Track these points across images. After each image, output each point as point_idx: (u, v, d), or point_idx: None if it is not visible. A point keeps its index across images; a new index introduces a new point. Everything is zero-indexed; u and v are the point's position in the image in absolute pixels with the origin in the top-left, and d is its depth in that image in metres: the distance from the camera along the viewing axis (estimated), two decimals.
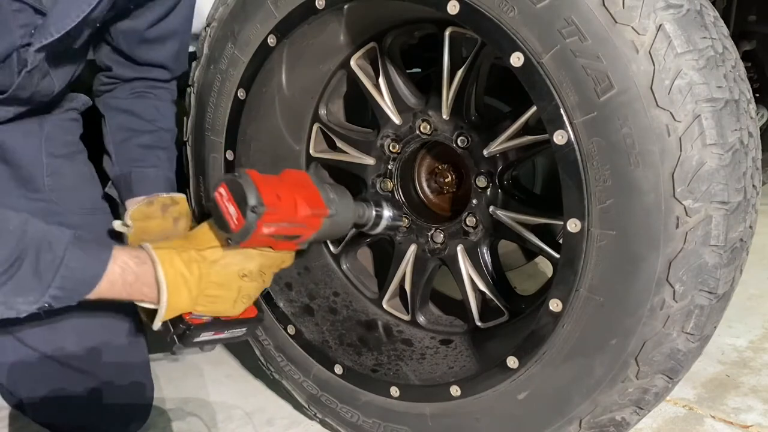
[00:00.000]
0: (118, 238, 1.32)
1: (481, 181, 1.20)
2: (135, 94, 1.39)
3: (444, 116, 1.22)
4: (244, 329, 1.16)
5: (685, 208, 0.87)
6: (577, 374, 1.00)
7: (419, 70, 1.68)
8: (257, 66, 1.27)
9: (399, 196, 1.32)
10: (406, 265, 1.35)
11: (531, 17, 0.92)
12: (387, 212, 1.26)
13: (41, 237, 0.96)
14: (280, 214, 1.02)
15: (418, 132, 1.26)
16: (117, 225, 1.32)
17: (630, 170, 0.89)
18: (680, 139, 0.86)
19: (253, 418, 1.46)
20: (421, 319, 1.37)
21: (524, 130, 1.14)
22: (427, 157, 1.35)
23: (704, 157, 0.86)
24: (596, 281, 0.95)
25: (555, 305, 1.00)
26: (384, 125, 1.30)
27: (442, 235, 1.28)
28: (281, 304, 1.37)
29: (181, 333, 1.08)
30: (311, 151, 1.43)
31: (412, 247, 1.33)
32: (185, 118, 1.44)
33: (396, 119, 1.29)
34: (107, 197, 1.42)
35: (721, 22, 0.95)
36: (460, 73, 1.18)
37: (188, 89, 1.42)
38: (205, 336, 1.10)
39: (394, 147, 1.30)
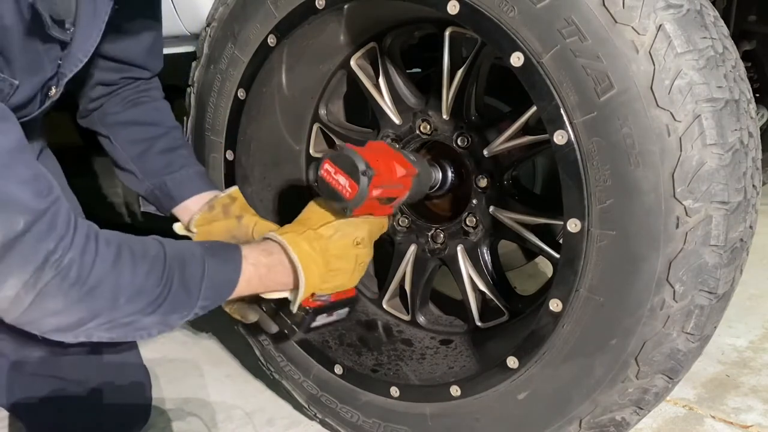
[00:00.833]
0: None
1: (481, 181, 1.20)
2: (130, 103, 1.38)
3: (444, 116, 1.22)
4: (347, 309, 1.21)
5: (685, 208, 0.87)
6: (577, 374, 1.00)
7: (419, 70, 1.68)
8: (257, 66, 1.27)
9: None
10: (406, 265, 1.35)
11: (531, 17, 0.92)
12: (449, 173, 1.27)
13: (179, 255, 1.00)
14: (383, 176, 1.08)
15: (418, 132, 1.26)
16: (178, 228, 1.32)
17: (630, 170, 0.89)
18: (680, 139, 0.86)
19: (253, 418, 1.46)
20: (421, 319, 1.37)
21: (524, 130, 1.14)
22: (427, 157, 1.35)
23: (704, 157, 0.86)
24: (596, 281, 0.95)
25: (555, 305, 1.00)
26: (384, 125, 1.30)
27: (442, 235, 1.28)
28: None
29: (300, 320, 1.13)
30: (311, 151, 1.43)
31: (412, 247, 1.33)
32: (185, 118, 1.44)
33: (396, 119, 1.29)
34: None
35: (721, 22, 0.95)
36: (460, 73, 1.18)
37: (188, 89, 1.42)
38: (320, 320, 1.15)
39: (393, 147, 1.30)
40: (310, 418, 1.41)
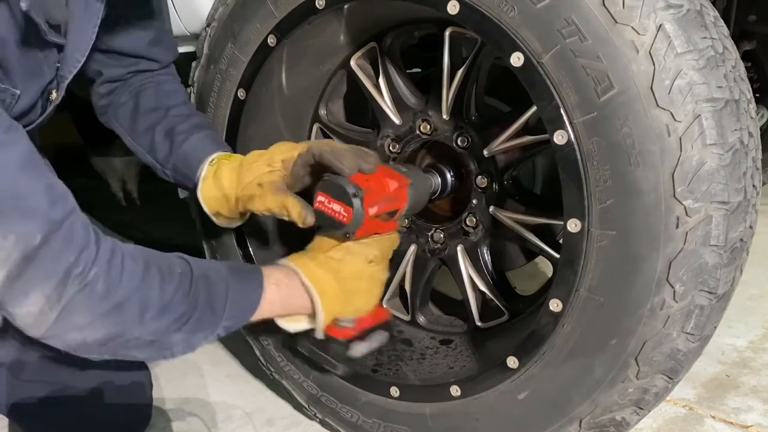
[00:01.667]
0: None
1: (481, 181, 1.20)
2: (133, 92, 1.35)
3: (444, 116, 1.22)
4: (386, 333, 1.20)
5: (685, 208, 0.87)
6: (577, 374, 1.00)
7: (419, 70, 1.68)
8: (257, 66, 1.27)
9: None
10: (406, 265, 1.35)
11: (531, 17, 0.92)
12: (448, 176, 1.26)
13: (205, 273, 0.99)
14: (376, 193, 1.09)
15: (418, 132, 1.26)
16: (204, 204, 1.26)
17: (630, 170, 0.89)
18: (680, 139, 0.86)
19: (253, 418, 1.46)
20: (421, 319, 1.37)
21: (524, 130, 1.14)
22: (428, 157, 1.35)
23: (704, 157, 0.86)
24: (596, 281, 0.95)
25: (555, 305, 1.00)
26: (384, 125, 1.30)
27: (442, 235, 1.28)
28: None
29: (336, 354, 1.14)
30: None
31: (412, 247, 1.33)
32: None
33: (396, 119, 1.29)
34: None
35: (721, 22, 0.95)
36: (460, 73, 1.18)
37: (188, 89, 1.42)
38: (359, 349, 1.15)
39: (394, 147, 1.30)
40: (310, 418, 1.40)
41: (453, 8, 1.00)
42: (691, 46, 0.86)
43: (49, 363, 1.29)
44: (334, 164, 1.07)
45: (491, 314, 1.28)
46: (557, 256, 1.03)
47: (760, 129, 1.90)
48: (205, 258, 1.48)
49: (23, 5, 0.94)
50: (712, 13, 0.93)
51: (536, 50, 0.92)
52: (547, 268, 1.86)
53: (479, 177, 1.20)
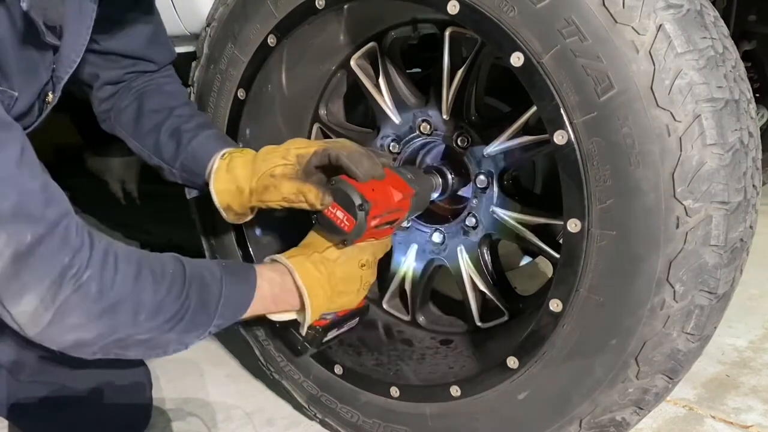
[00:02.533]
0: None
1: (481, 181, 1.20)
2: (134, 94, 1.35)
3: (444, 116, 1.22)
4: (356, 319, 1.23)
5: (685, 208, 0.87)
6: (577, 374, 1.00)
7: (419, 70, 1.68)
8: (257, 66, 1.27)
9: None
10: (406, 266, 1.35)
11: (531, 17, 0.92)
12: (449, 176, 1.27)
13: (197, 273, 1.01)
14: (381, 206, 1.10)
15: (418, 132, 1.26)
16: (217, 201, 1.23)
17: (630, 170, 0.89)
18: (680, 139, 0.86)
19: (253, 418, 1.46)
20: (421, 319, 1.37)
21: (524, 130, 1.14)
22: (428, 157, 1.35)
23: (704, 157, 0.86)
24: (596, 281, 0.95)
25: (555, 305, 1.00)
26: (384, 125, 1.30)
27: (442, 235, 1.28)
28: None
29: (311, 338, 1.15)
30: None
31: (412, 247, 1.33)
32: None
33: (396, 119, 1.29)
34: None
35: (721, 22, 0.95)
36: (460, 73, 1.18)
37: (188, 89, 1.42)
38: (331, 334, 1.17)
39: (394, 147, 1.30)
40: (310, 418, 1.40)
41: (453, 8, 1.00)
42: (691, 46, 0.86)
43: (49, 363, 1.29)
44: (351, 170, 1.08)
45: (491, 314, 1.28)
46: (557, 256, 1.03)
47: (760, 129, 1.90)
48: (204, 258, 1.48)
49: (24, 5, 0.94)
50: (712, 13, 0.93)
51: (536, 50, 0.92)
52: (547, 268, 1.86)
53: (479, 177, 1.20)
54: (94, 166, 2.82)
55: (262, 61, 1.27)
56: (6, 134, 0.86)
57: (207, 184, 1.23)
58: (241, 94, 1.31)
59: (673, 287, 0.91)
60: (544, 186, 1.58)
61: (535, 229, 1.19)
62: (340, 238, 1.10)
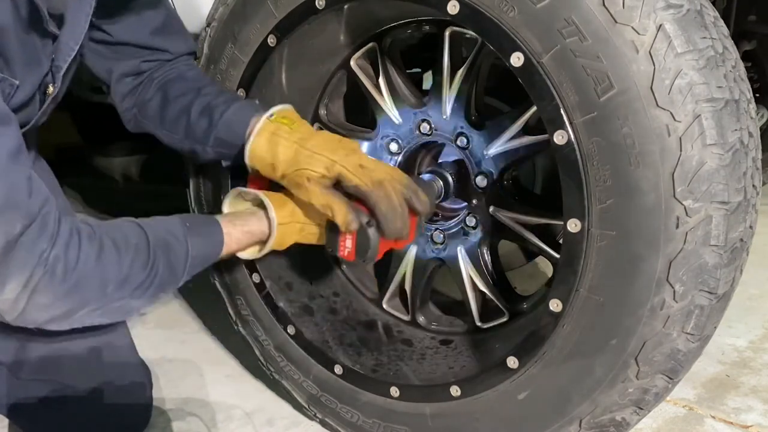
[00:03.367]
0: None
1: (481, 181, 1.20)
2: (157, 84, 1.32)
3: (444, 116, 1.22)
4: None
5: (685, 208, 0.87)
6: (577, 374, 1.00)
7: (419, 70, 1.69)
8: (257, 66, 1.27)
9: None
10: (406, 266, 1.35)
11: (531, 17, 0.92)
12: (450, 178, 1.26)
13: (162, 237, 1.04)
14: (384, 247, 1.14)
15: (418, 132, 1.26)
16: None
17: (630, 170, 0.89)
18: (680, 139, 0.86)
19: (253, 418, 1.46)
20: (421, 319, 1.37)
21: (524, 130, 1.14)
22: (427, 157, 1.35)
23: (704, 157, 0.86)
24: (596, 281, 0.95)
25: (555, 305, 1.00)
26: (384, 125, 1.30)
27: (442, 235, 1.28)
28: (281, 304, 1.37)
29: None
30: None
31: (412, 248, 1.33)
32: None
33: (396, 119, 1.29)
34: None
35: (721, 22, 0.95)
36: (460, 73, 1.18)
37: None
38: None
39: (394, 147, 1.30)
40: (310, 418, 1.40)
41: (453, 8, 1.00)
42: (691, 46, 0.86)
43: (49, 362, 1.29)
44: (381, 226, 1.10)
45: (491, 314, 1.28)
46: (557, 256, 1.03)
47: (760, 129, 1.91)
48: None
49: None
50: (712, 13, 0.93)
51: (536, 50, 0.92)
52: (547, 268, 1.86)
53: (479, 177, 1.20)
54: (100, 166, 2.82)
55: (262, 62, 1.27)
56: (4, 128, 0.87)
57: (242, 151, 1.19)
58: (241, 94, 1.31)
59: (673, 287, 0.91)
60: (544, 186, 1.58)
61: (535, 229, 1.19)
62: (334, 256, 1.13)
